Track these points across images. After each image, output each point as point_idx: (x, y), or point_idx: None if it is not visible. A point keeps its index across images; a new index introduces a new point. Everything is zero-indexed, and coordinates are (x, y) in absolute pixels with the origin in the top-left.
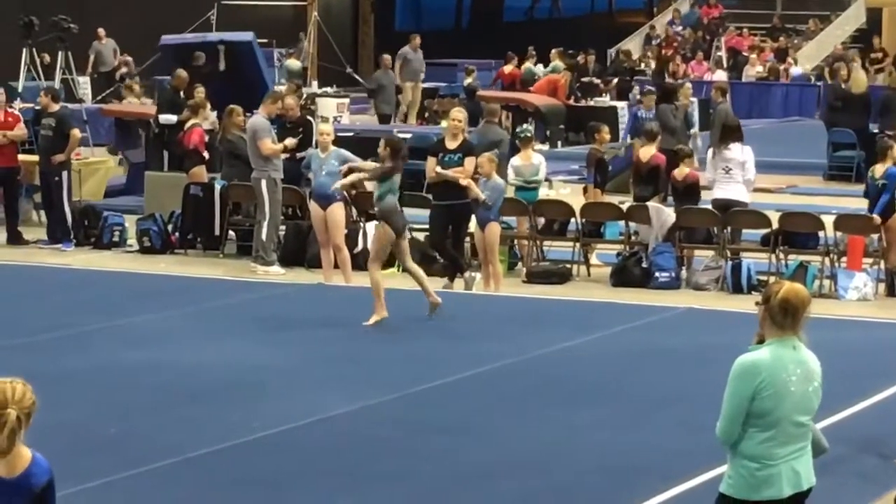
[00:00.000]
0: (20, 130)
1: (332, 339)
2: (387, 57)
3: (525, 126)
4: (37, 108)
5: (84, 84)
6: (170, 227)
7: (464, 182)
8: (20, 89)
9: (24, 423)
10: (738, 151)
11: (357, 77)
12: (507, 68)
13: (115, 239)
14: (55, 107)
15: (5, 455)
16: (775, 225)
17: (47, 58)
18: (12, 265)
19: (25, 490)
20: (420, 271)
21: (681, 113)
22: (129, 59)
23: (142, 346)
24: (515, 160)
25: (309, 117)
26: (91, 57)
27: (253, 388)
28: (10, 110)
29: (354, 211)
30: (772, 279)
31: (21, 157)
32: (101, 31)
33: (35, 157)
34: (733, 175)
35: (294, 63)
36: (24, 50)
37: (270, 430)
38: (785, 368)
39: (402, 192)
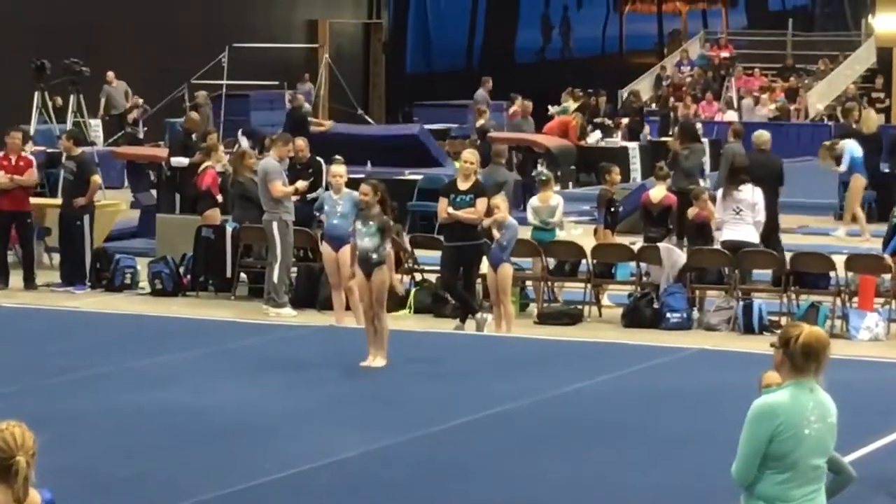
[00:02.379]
0: (31, 176)
1: (343, 381)
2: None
3: (543, 169)
4: (49, 151)
5: (96, 127)
6: (181, 270)
7: (487, 222)
8: (32, 132)
9: (32, 466)
10: (749, 193)
11: (368, 118)
12: (512, 109)
13: (127, 281)
14: (77, 150)
15: (21, 503)
16: (787, 265)
17: (59, 101)
18: (26, 308)
19: None
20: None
21: (694, 153)
22: (141, 101)
23: (153, 388)
24: (534, 201)
25: (318, 158)
26: (102, 100)
27: (264, 430)
28: (23, 154)
29: None
30: (783, 319)
31: (33, 200)
32: (111, 73)
33: (47, 200)
34: (743, 216)
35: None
36: (37, 93)
37: (282, 473)
38: (803, 412)
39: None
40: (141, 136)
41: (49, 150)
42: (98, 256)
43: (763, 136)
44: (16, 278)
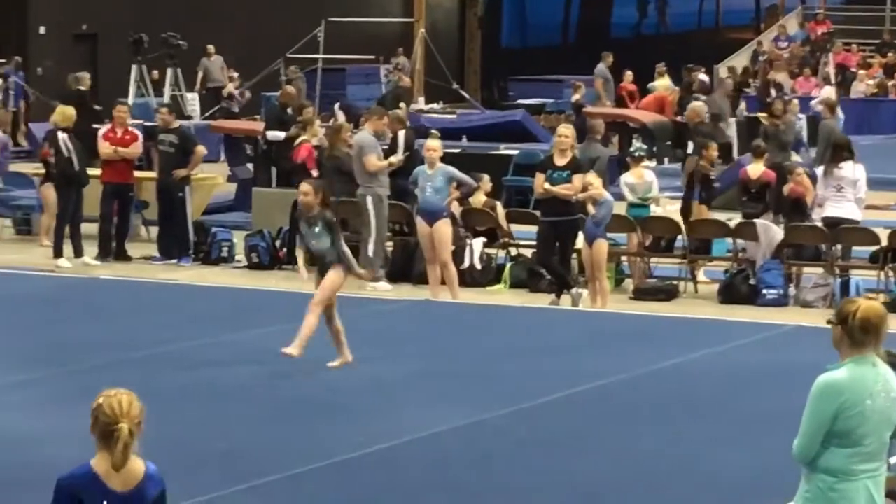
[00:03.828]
0: (135, 149)
1: (439, 355)
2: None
3: (639, 145)
4: (147, 124)
5: (192, 100)
6: (277, 243)
7: (582, 197)
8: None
9: (136, 435)
10: (850, 170)
11: (464, 93)
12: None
13: (224, 255)
14: (176, 123)
15: (119, 469)
16: (884, 242)
17: (156, 74)
18: (124, 280)
19: (138, 502)
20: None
21: (789, 128)
22: (237, 74)
23: (249, 361)
24: (628, 177)
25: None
26: (200, 73)
27: (359, 403)
28: (129, 128)
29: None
30: (881, 297)
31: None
32: (211, 47)
33: (144, 173)
34: (845, 193)
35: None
36: (134, 67)
37: (377, 446)
38: (867, 386)
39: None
40: (237, 109)
41: (147, 124)
42: (195, 230)
43: None
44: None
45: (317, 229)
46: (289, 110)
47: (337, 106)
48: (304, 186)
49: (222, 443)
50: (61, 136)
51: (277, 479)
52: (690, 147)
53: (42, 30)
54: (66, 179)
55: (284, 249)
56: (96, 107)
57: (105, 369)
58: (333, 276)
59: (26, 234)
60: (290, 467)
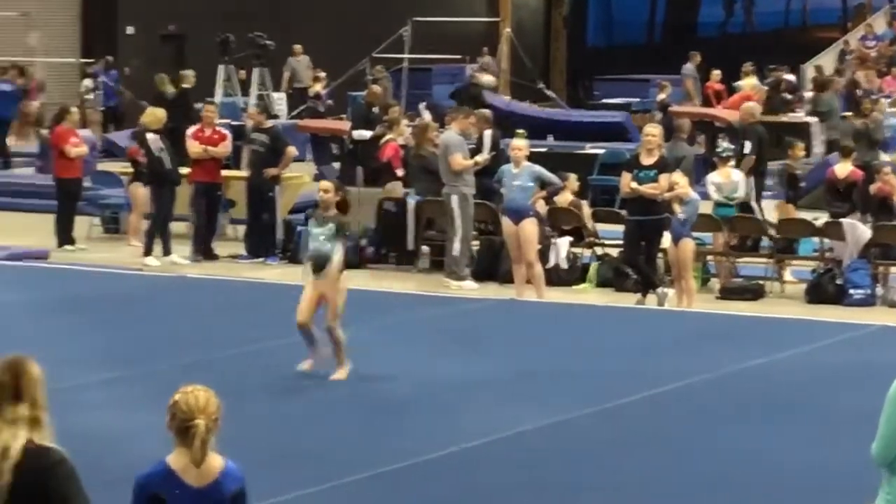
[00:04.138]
0: (224, 148)
1: (524, 354)
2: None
3: (726, 145)
4: (233, 124)
5: (279, 100)
6: (363, 242)
7: (668, 196)
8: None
9: (213, 431)
10: None
11: (549, 92)
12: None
13: None
14: (269, 123)
15: (198, 465)
16: None
17: (243, 74)
18: (211, 279)
19: (218, 498)
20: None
21: (877, 127)
22: (323, 74)
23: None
24: (715, 177)
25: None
26: (286, 73)
27: (445, 402)
28: (218, 127)
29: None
30: None
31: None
32: (297, 47)
33: (231, 172)
34: None
35: (488, 78)
36: (221, 67)
37: (462, 445)
38: None
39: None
40: (323, 109)
41: (233, 123)
42: (282, 229)
43: None
44: (182, 248)
45: (325, 230)
46: (375, 110)
47: (422, 105)
48: (325, 184)
49: (306, 441)
50: (151, 136)
51: (362, 478)
52: (748, 147)
53: (130, 30)
54: (159, 179)
55: (370, 249)
56: (198, 105)
57: (191, 368)
58: (338, 284)
59: (114, 233)
60: (374, 466)
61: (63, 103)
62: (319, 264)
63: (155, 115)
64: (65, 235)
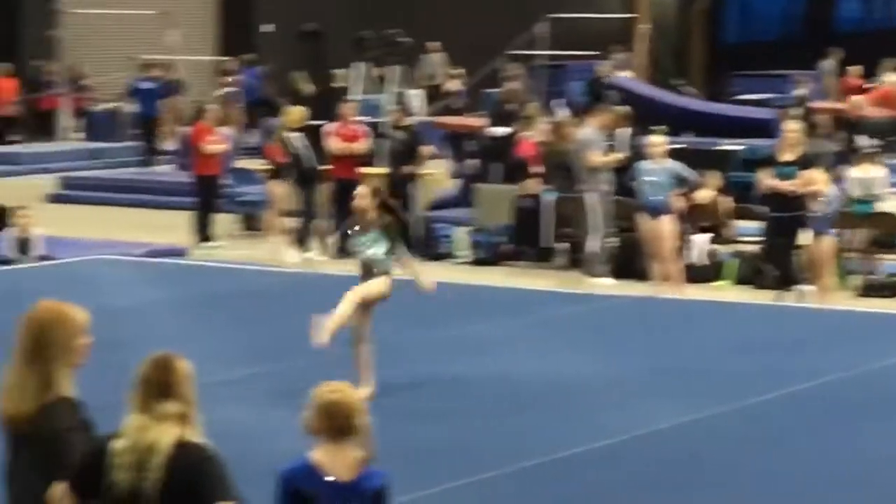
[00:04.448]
0: (363, 145)
1: (661, 352)
2: None
3: (867, 141)
4: (371, 121)
5: (415, 97)
6: (500, 239)
7: (806, 192)
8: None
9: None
10: None
11: (688, 89)
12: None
13: (447, 250)
14: (405, 121)
15: (369, 461)
16: None
17: (380, 72)
18: (349, 276)
19: (361, 493)
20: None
21: None
22: (460, 71)
23: (471, 356)
24: (856, 173)
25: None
26: (421, 71)
27: (581, 399)
28: (356, 125)
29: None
30: None
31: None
32: (433, 45)
33: (369, 169)
34: None
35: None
36: (358, 64)
37: (601, 442)
38: None
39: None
40: (459, 106)
41: (371, 120)
42: (420, 226)
43: None
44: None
45: (369, 237)
46: (511, 106)
47: (558, 102)
48: (361, 189)
49: (444, 437)
50: (293, 135)
51: (502, 474)
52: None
53: (267, 28)
54: (302, 177)
55: (507, 245)
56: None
57: (327, 365)
58: (381, 283)
59: (252, 230)
60: (514, 462)
61: (201, 101)
62: (367, 271)
63: (295, 113)
64: (203, 232)
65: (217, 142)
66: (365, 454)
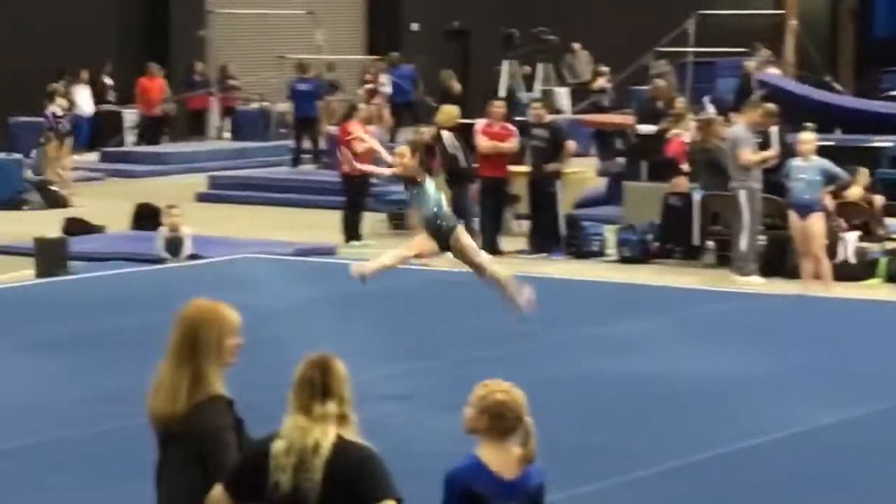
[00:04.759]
0: (512, 144)
1: (811, 350)
2: None
3: None
4: (517, 119)
5: (563, 95)
6: (648, 237)
7: None
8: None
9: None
10: None
11: (836, 85)
12: None
13: (595, 249)
14: (548, 118)
15: (532, 462)
16: None
17: (527, 69)
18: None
19: (524, 491)
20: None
21: None
22: (607, 69)
23: (620, 354)
24: None
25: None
26: (568, 69)
27: (730, 398)
28: (505, 123)
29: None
30: None
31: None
32: (575, 45)
33: (514, 168)
34: None
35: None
36: (505, 62)
37: (748, 442)
38: None
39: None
40: (607, 103)
41: (517, 119)
42: (567, 224)
43: None
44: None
45: (420, 194)
46: (659, 104)
47: (707, 99)
48: (401, 149)
49: (592, 437)
50: (445, 134)
51: (650, 474)
52: None
53: (415, 27)
54: (456, 177)
55: (655, 243)
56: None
57: (480, 362)
58: (464, 240)
59: (400, 229)
60: (662, 462)
61: (350, 100)
62: (436, 231)
63: (448, 112)
64: (352, 231)
65: (365, 141)
66: (525, 452)
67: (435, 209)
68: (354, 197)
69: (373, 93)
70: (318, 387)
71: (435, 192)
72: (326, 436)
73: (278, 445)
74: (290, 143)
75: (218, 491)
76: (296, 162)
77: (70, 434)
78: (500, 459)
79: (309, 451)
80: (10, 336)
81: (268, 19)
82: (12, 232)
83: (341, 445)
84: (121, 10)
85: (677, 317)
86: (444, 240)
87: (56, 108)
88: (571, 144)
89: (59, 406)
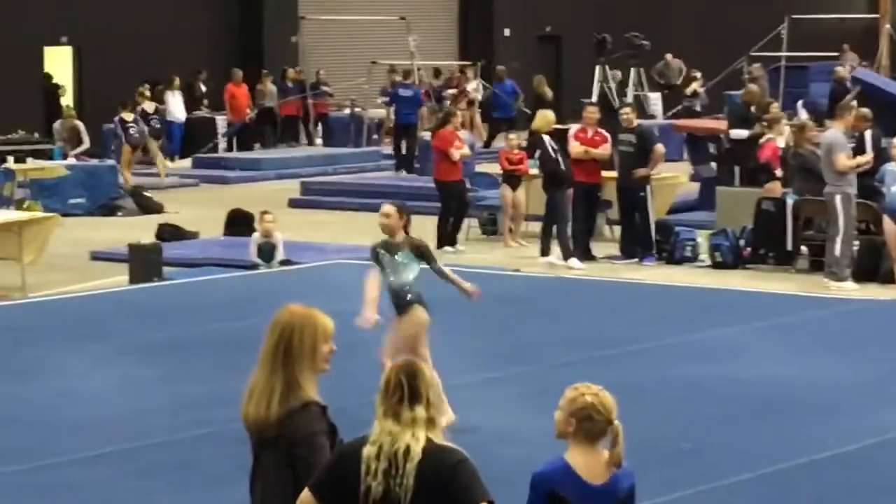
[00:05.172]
0: (605, 150)
1: None
2: None
3: None
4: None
5: (655, 100)
6: (741, 242)
7: None
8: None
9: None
10: None
11: None
12: None
13: (688, 254)
14: (636, 122)
15: (619, 466)
16: None
17: (619, 74)
18: (588, 280)
19: (614, 495)
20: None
21: None
22: (699, 74)
23: (713, 360)
24: None
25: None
26: (660, 74)
27: (824, 404)
28: (599, 129)
29: None
30: None
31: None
32: (668, 55)
33: (607, 173)
34: None
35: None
36: (597, 67)
37: (846, 447)
38: None
39: None
40: (699, 108)
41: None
42: (658, 229)
43: None
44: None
45: (399, 258)
46: (752, 109)
47: (800, 104)
48: (386, 207)
49: (687, 441)
50: (547, 138)
51: (744, 479)
52: None
53: (507, 32)
54: (556, 181)
55: (748, 249)
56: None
57: (570, 367)
58: (416, 318)
59: (492, 234)
60: (756, 467)
61: (448, 107)
62: (398, 299)
63: (545, 117)
64: (447, 237)
65: (461, 147)
66: (613, 455)
67: (407, 283)
68: (450, 203)
69: (460, 98)
70: (406, 391)
71: (416, 265)
72: (417, 440)
73: (369, 450)
74: (382, 148)
75: (306, 495)
76: (399, 168)
77: (164, 438)
78: (589, 464)
79: (399, 455)
80: (104, 341)
81: (360, 25)
82: (107, 238)
83: (432, 449)
84: (214, 17)
85: (770, 322)
86: (401, 312)
87: (126, 114)
88: (660, 149)
89: (153, 411)
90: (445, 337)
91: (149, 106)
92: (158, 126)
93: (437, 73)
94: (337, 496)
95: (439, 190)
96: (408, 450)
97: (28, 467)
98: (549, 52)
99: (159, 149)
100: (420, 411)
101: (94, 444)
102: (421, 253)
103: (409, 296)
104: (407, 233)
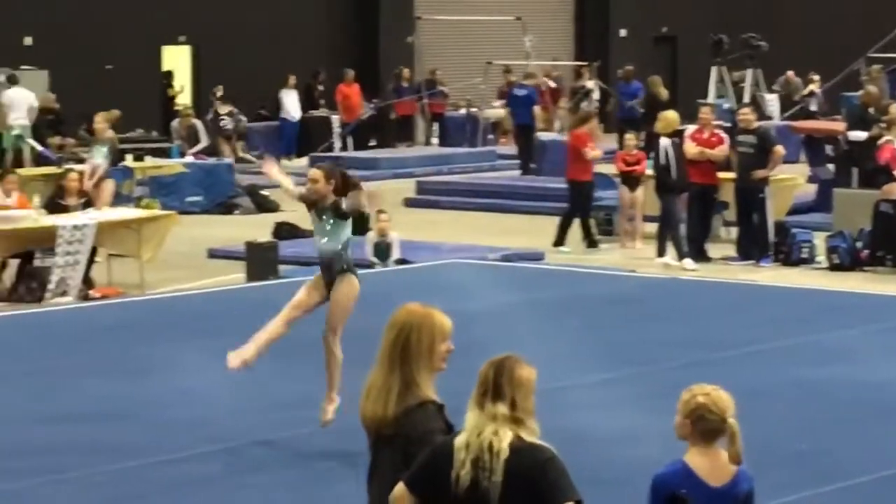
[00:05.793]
0: (721, 151)
1: None
2: None
3: None
4: (725, 125)
5: (772, 101)
6: (859, 244)
7: None
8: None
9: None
10: None
11: None
12: None
13: (805, 256)
14: (756, 124)
15: (738, 464)
16: None
17: (736, 75)
18: (704, 281)
19: (733, 497)
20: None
21: None
22: (817, 77)
23: (831, 362)
24: None
25: None
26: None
27: None
28: (715, 130)
29: None
30: None
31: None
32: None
33: (724, 174)
34: None
35: None
36: (714, 68)
37: None
38: None
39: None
40: (817, 109)
41: (725, 125)
42: (776, 231)
43: None
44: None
45: (326, 219)
46: (871, 110)
47: None
48: (312, 172)
49: (805, 443)
50: (663, 142)
51: (864, 482)
52: None
53: (623, 32)
54: (665, 187)
55: (866, 251)
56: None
57: (686, 369)
58: (346, 287)
59: (608, 235)
60: (876, 469)
61: (587, 110)
62: (327, 269)
63: (667, 119)
64: (564, 237)
65: (594, 148)
66: (731, 453)
67: (340, 248)
68: (578, 203)
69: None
70: (490, 386)
71: (350, 232)
72: (499, 437)
73: (459, 439)
74: (497, 148)
75: (399, 489)
76: (524, 169)
77: (278, 435)
78: (708, 465)
79: (485, 449)
80: (220, 338)
81: (475, 25)
82: (224, 236)
83: (521, 446)
84: (330, 16)
85: (888, 325)
86: (330, 281)
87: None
88: (780, 150)
89: (267, 407)
90: (558, 337)
91: (222, 108)
92: (230, 127)
93: (548, 73)
94: (431, 489)
95: (571, 189)
96: (492, 445)
97: (146, 463)
98: (665, 53)
99: (233, 150)
100: (501, 408)
101: (208, 440)
102: (340, 213)
103: (344, 265)
104: (342, 194)
